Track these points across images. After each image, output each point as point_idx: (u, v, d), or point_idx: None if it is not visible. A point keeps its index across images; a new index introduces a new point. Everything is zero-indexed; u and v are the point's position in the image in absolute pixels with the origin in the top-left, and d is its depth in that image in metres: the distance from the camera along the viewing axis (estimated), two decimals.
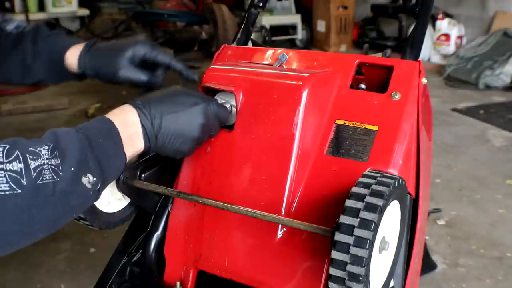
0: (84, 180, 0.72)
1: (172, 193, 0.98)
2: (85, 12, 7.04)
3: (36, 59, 1.07)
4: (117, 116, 0.83)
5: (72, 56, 1.04)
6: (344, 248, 0.73)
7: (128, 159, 0.83)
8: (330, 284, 0.76)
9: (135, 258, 1.12)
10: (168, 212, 1.07)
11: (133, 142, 0.83)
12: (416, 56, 1.03)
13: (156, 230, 1.08)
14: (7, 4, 6.55)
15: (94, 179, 0.74)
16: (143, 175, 1.01)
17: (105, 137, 0.78)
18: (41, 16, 6.70)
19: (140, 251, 1.11)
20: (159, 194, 1.06)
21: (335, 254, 0.73)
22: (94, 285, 1.11)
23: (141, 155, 0.97)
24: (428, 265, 2.41)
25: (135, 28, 6.96)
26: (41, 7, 6.66)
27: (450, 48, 6.45)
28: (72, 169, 0.70)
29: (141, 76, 1.03)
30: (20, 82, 1.11)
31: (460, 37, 6.52)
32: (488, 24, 6.46)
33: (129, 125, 0.83)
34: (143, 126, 0.84)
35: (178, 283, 1.02)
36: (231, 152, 0.99)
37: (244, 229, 0.97)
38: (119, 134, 0.81)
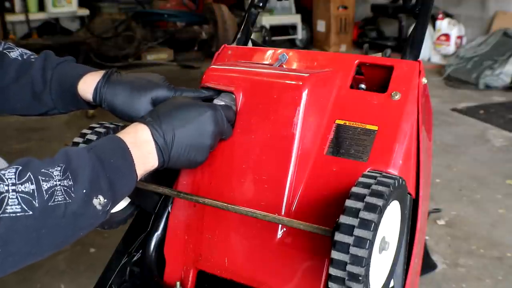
0: (95, 201, 0.72)
1: (172, 193, 0.98)
2: (85, 12, 7.03)
3: (46, 88, 1.02)
4: (128, 135, 0.83)
5: (86, 86, 1.00)
6: (344, 248, 0.73)
7: (139, 177, 0.82)
8: (330, 284, 0.76)
9: (135, 258, 1.12)
10: (168, 212, 1.07)
11: (145, 160, 0.83)
12: (416, 56, 1.03)
13: (156, 230, 1.08)
14: (7, 4, 6.55)
15: (105, 200, 0.74)
16: None
17: (117, 157, 0.78)
18: (41, 16, 6.70)
19: (140, 251, 1.11)
20: (159, 194, 1.06)
21: (335, 254, 0.73)
22: (94, 285, 1.11)
23: None
24: (428, 265, 2.41)
25: (135, 28, 6.95)
26: (41, 7, 6.66)
27: (450, 48, 6.45)
28: (84, 190, 0.70)
29: None
30: (27, 112, 1.07)
31: (460, 37, 6.53)
32: (488, 24, 6.46)
33: (141, 144, 0.83)
34: (156, 143, 0.84)
35: (178, 283, 1.02)
36: (231, 152, 0.99)
37: (244, 229, 0.97)
38: (131, 154, 0.80)
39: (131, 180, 0.80)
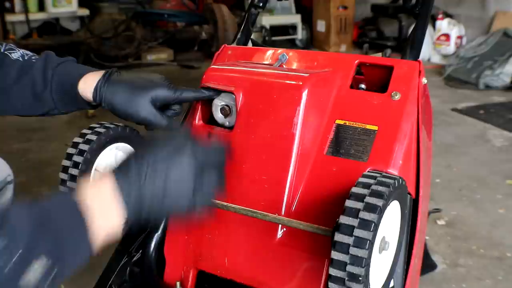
0: (36, 265, 0.62)
1: None
2: (85, 12, 7.03)
3: (47, 87, 1.02)
4: (90, 190, 0.72)
5: (86, 85, 1.00)
6: (344, 248, 0.73)
7: (102, 241, 0.71)
8: (330, 284, 0.76)
9: (135, 258, 1.12)
10: None
11: (107, 219, 0.72)
12: (416, 56, 1.03)
13: (156, 230, 1.08)
14: (7, 4, 6.55)
15: (49, 262, 0.63)
16: None
17: (65, 216, 0.68)
18: (41, 16, 6.70)
19: (140, 251, 1.11)
20: None
21: (335, 255, 0.73)
22: (94, 285, 1.11)
23: None
24: (428, 265, 2.41)
25: (135, 28, 6.95)
26: (41, 7, 6.66)
27: (450, 48, 6.45)
28: (20, 251, 0.60)
29: (162, 121, 0.98)
30: (28, 113, 1.07)
31: (460, 37, 6.52)
32: (488, 24, 6.46)
33: (103, 200, 0.72)
34: (123, 201, 0.73)
35: (178, 283, 1.02)
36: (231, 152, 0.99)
37: (244, 229, 0.97)
38: (85, 215, 0.69)
39: (83, 245, 0.69)
